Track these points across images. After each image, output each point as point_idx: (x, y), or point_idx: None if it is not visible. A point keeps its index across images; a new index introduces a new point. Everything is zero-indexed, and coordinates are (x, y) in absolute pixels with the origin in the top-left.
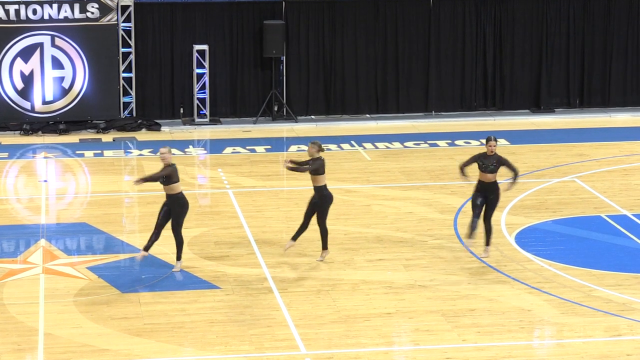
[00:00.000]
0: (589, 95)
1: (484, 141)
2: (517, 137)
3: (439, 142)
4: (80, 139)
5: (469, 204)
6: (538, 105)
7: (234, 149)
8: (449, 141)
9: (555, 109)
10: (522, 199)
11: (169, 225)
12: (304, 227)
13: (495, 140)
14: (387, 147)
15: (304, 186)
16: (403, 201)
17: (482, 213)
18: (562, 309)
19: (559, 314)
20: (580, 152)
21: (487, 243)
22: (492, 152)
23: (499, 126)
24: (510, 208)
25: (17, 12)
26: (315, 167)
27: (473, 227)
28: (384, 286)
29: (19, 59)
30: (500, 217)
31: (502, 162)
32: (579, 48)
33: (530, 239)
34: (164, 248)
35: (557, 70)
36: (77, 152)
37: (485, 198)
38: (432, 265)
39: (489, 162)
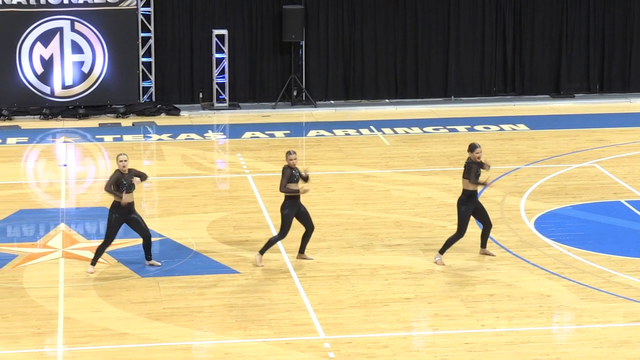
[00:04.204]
0: (609, 80)
1: (503, 127)
2: (536, 122)
3: (458, 128)
4: (99, 124)
5: (488, 190)
6: (558, 91)
7: (253, 134)
8: (468, 126)
9: (575, 94)
10: (542, 185)
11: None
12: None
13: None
14: (406, 132)
15: (322, 171)
16: (422, 186)
17: (484, 223)
18: (582, 294)
19: (578, 300)
20: (600, 138)
21: (484, 245)
22: (479, 158)
23: (519, 111)
24: (530, 193)
25: None
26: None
27: (449, 244)
28: (403, 271)
29: (38, 44)
30: (520, 202)
31: (482, 166)
32: (599, 33)
33: (549, 224)
34: (184, 233)
35: (577, 56)
36: (97, 136)
37: (475, 208)
38: (451, 250)
39: (479, 169)
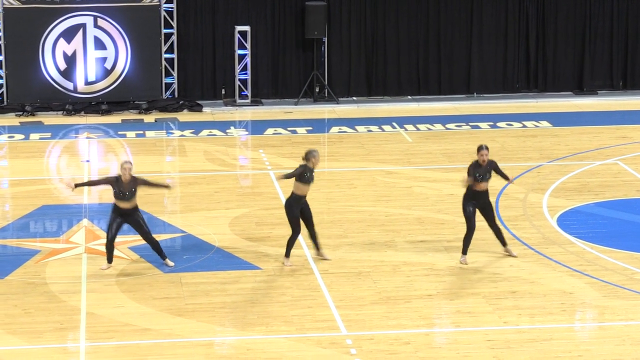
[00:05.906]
0: (632, 77)
1: (525, 123)
2: (559, 119)
3: (480, 124)
4: (122, 120)
5: (510, 187)
6: (581, 87)
7: (275, 130)
8: (491, 123)
9: (598, 91)
10: (564, 182)
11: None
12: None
13: (487, 150)
14: (429, 129)
15: (344, 168)
16: (444, 183)
17: (488, 223)
18: (604, 291)
19: (601, 297)
20: (624, 135)
21: (504, 243)
22: (484, 161)
23: (541, 108)
24: (552, 190)
25: None
26: (296, 174)
27: (466, 243)
28: (425, 268)
29: (61, 40)
30: (542, 199)
31: (494, 168)
32: (622, 29)
33: (572, 221)
34: (206, 229)
35: (600, 52)
36: (119, 132)
37: (478, 205)
38: (473, 247)
39: (483, 171)
